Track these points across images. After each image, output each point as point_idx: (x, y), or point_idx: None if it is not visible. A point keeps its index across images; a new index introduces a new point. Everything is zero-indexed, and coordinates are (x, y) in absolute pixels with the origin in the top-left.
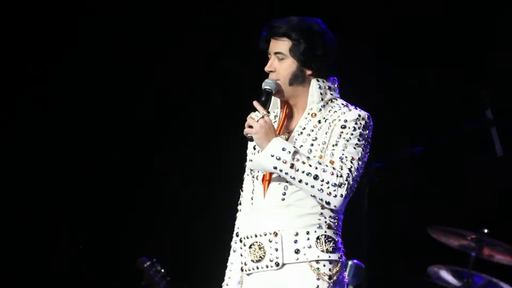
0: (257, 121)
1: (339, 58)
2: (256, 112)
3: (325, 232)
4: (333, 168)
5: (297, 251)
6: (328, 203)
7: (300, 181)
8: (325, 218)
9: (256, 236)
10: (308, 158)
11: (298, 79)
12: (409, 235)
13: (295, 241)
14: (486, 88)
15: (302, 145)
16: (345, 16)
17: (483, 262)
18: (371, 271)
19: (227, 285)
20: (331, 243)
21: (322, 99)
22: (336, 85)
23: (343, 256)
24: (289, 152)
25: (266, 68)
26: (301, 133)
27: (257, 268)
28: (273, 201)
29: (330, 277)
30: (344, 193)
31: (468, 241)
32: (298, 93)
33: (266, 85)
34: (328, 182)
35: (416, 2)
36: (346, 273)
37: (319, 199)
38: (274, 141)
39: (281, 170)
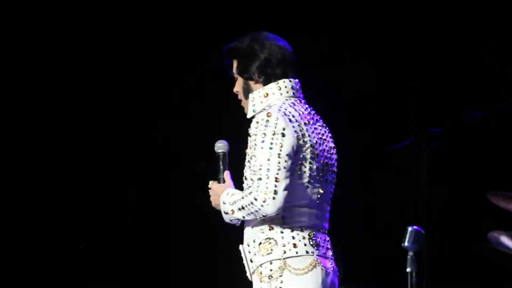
0: (209, 194)
1: (291, 60)
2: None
3: (267, 235)
4: (249, 187)
5: (251, 261)
6: (265, 216)
7: (243, 216)
8: (268, 221)
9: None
10: (236, 194)
11: (248, 92)
12: (469, 201)
13: (249, 252)
14: None
15: (246, 171)
16: None
17: None
18: (431, 237)
19: None
20: (271, 244)
21: (254, 110)
22: (278, 87)
23: (298, 249)
24: (226, 202)
25: (234, 91)
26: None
27: (249, 278)
28: None
29: (270, 276)
30: (261, 202)
31: None
32: None
33: (218, 149)
34: (249, 205)
35: None
36: (313, 266)
37: (261, 217)
38: (220, 200)
39: (231, 220)
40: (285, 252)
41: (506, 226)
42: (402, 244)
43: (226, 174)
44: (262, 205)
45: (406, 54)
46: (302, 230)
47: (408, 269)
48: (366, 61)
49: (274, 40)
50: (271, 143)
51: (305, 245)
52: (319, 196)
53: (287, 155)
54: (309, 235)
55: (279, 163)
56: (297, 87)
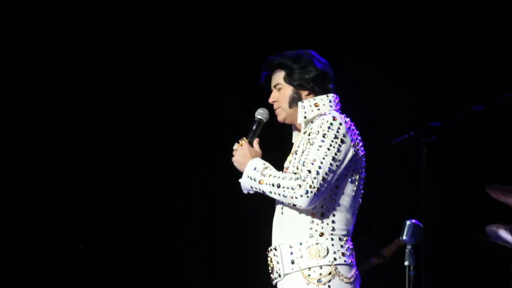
0: (236, 149)
1: (335, 76)
2: (236, 143)
3: (316, 240)
4: (294, 173)
5: (292, 262)
6: (294, 205)
7: (270, 192)
8: (317, 225)
9: (268, 251)
10: (276, 171)
11: (296, 101)
12: (467, 195)
13: (291, 253)
14: None
15: (293, 161)
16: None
17: None
18: (429, 231)
19: None
20: (322, 250)
21: (305, 117)
22: (328, 100)
23: (345, 257)
24: (258, 170)
25: (270, 100)
26: (297, 151)
27: (274, 278)
28: (277, 216)
29: (319, 280)
30: (302, 192)
31: None
32: (297, 115)
33: (258, 114)
34: (288, 187)
35: None
36: (351, 275)
37: (288, 204)
38: (249, 163)
39: (255, 188)
40: (335, 259)
41: (505, 220)
42: (401, 238)
43: (256, 141)
44: (301, 195)
45: (407, 48)
46: (347, 239)
47: (406, 263)
48: (368, 56)
49: (320, 57)
50: (330, 145)
51: (350, 254)
52: (357, 206)
53: (340, 160)
54: (352, 245)
55: (331, 165)
56: (339, 102)
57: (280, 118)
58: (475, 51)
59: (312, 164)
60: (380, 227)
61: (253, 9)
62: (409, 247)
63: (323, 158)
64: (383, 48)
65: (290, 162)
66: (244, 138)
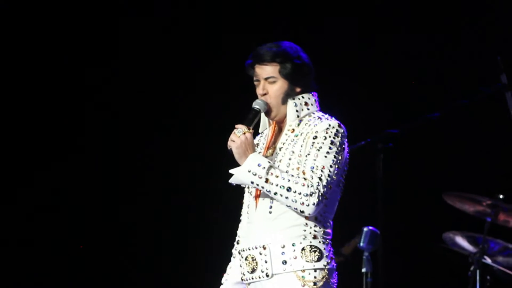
0: (239, 136)
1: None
2: (240, 128)
3: (310, 242)
4: (304, 179)
5: (284, 262)
6: (302, 211)
7: (275, 193)
8: (310, 228)
9: (250, 249)
10: (282, 171)
11: (288, 97)
12: (424, 201)
13: (282, 253)
14: (501, 53)
15: (281, 159)
16: None
17: (498, 227)
18: (386, 237)
19: (226, 280)
20: (316, 252)
21: (298, 116)
22: (314, 99)
23: (332, 262)
24: (264, 167)
25: (260, 92)
26: (281, 148)
27: (252, 278)
28: (262, 214)
29: (315, 283)
30: (315, 201)
31: (483, 207)
32: (284, 112)
33: (256, 104)
34: (300, 193)
35: None
36: (335, 279)
37: (294, 208)
38: (251, 157)
39: (257, 185)
40: (328, 263)
41: (461, 227)
42: (358, 245)
43: (251, 132)
44: (313, 203)
45: (364, 54)
46: (332, 244)
47: (364, 269)
48: (323, 61)
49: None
50: (336, 153)
51: (334, 259)
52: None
53: (341, 168)
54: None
55: (335, 173)
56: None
57: (272, 115)
58: (431, 58)
59: (322, 171)
60: (339, 232)
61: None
62: (366, 253)
63: (331, 166)
64: (338, 53)
65: (281, 161)
66: (248, 127)
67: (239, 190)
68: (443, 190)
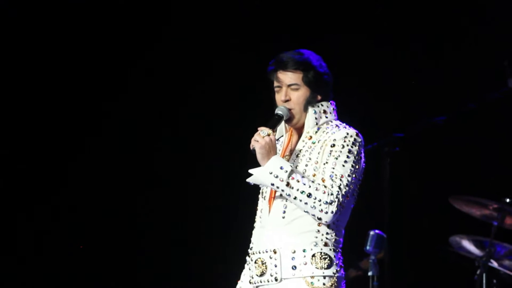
0: (263, 137)
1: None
2: (264, 129)
3: (321, 249)
4: (325, 187)
5: (294, 268)
6: (320, 218)
7: (295, 198)
8: (322, 235)
9: (260, 252)
10: (303, 177)
11: (310, 104)
12: (431, 205)
13: (293, 258)
14: (508, 57)
15: (297, 165)
16: None
17: (505, 231)
18: (392, 241)
19: (240, 287)
20: (326, 259)
21: (316, 123)
22: (332, 108)
23: (341, 270)
24: (286, 171)
25: (282, 98)
26: (298, 155)
27: (261, 281)
28: (275, 218)
29: None
30: (334, 209)
31: (490, 211)
32: (304, 119)
33: (280, 110)
34: (320, 200)
35: None
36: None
37: (312, 215)
38: (273, 159)
39: (277, 187)
40: (337, 271)
41: (468, 230)
42: (364, 248)
43: (274, 134)
44: (332, 211)
45: (368, 59)
46: (342, 253)
47: (370, 273)
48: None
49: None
50: (354, 162)
51: (343, 267)
52: None
53: (356, 178)
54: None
55: (353, 182)
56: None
57: (294, 121)
58: (438, 62)
59: (341, 180)
60: (348, 238)
61: None
62: (372, 257)
63: (348, 176)
64: (346, 57)
65: (297, 167)
66: (272, 130)
67: (255, 195)
68: (450, 194)
